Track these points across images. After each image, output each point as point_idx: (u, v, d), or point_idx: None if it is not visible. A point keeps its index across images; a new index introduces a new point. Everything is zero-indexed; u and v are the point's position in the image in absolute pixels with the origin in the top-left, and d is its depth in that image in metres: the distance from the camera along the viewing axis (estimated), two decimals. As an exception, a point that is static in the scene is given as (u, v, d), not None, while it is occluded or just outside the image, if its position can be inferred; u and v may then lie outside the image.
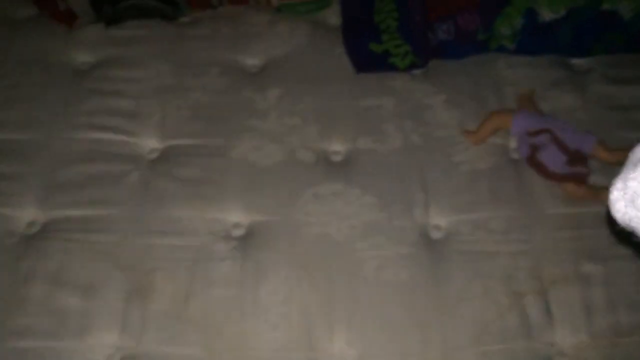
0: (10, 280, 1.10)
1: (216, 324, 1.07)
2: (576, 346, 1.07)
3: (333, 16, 1.56)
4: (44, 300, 1.08)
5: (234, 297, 1.10)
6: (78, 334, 1.05)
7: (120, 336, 1.06)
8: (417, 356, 1.06)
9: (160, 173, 1.25)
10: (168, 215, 1.19)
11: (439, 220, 1.21)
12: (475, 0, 1.40)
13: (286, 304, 1.09)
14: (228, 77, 1.42)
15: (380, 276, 1.13)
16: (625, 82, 1.41)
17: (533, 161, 1.25)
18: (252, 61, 1.47)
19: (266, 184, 1.24)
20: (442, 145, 1.31)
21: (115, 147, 1.29)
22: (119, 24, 1.51)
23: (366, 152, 1.29)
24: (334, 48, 1.47)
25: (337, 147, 1.32)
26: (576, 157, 1.22)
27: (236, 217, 1.20)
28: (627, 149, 0.52)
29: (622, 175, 0.49)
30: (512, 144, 1.32)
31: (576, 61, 1.47)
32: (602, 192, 1.18)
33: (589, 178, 1.23)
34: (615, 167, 0.54)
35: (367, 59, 1.44)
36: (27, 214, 1.20)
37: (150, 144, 1.31)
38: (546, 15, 1.41)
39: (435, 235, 1.20)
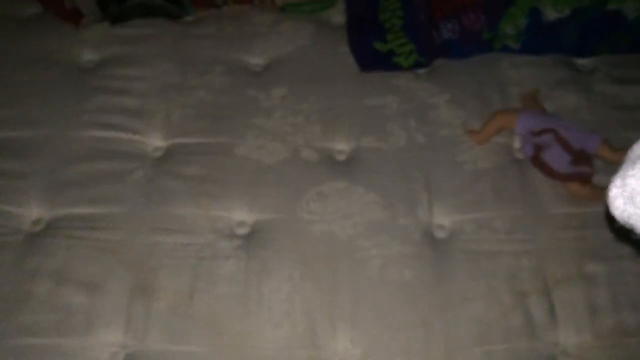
0: (15, 278, 1.11)
1: (220, 321, 1.08)
2: (580, 346, 1.07)
3: (337, 15, 1.56)
4: (49, 298, 1.09)
5: (238, 295, 1.10)
6: (82, 332, 1.06)
7: (125, 334, 1.06)
8: (421, 355, 1.06)
9: (165, 171, 1.25)
10: (172, 213, 1.19)
11: (443, 219, 1.21)
12: (480, -1, 1.41)
13: (290, 302, 1.09)
14: (232, 76, 1.42)
15: (383, 275, 1.13)
16: (629, 82, 1.40)
17: (537, 161, 1.25)
18: (256, 60, 1.48)
19: (270, 183, 1.24)
20: (446, 145, 1.31)
21: (119, 145, 1.30)
22: (125, 23, 1.52)
23: (370, 151, 1.30)
24: (338, 47, 1.47)
25: (341, 146, 1.32)
26: (580, 157, 1.22)
27: (240, 215, 1.21)
28: (631, 149, 0.52)
29: (620, 173, 0.49)
30: (516, 143, 1.32)
31: (581, 61, 1.47)
32: (606, 192, 1.18)
33: (593, 178, 1.22)
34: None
35: (371, 58, 1.44)
36: (32, 212, 1.20)
37: (154, 142, 1.32)
38: (551, 15, 1.41)
39: (439, 234, 1.20)
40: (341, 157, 1.30)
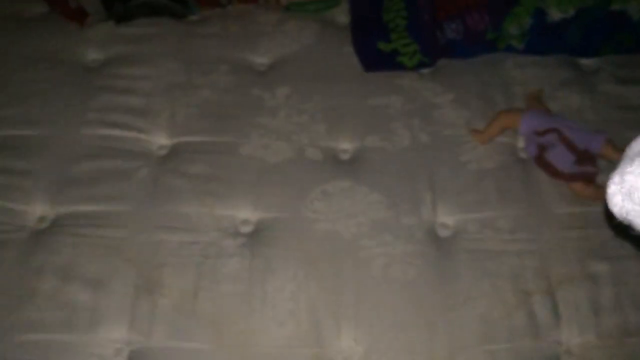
0: (20, 275, 1.11)
1: (224, 319, 1.08)
2: (583, 345, 1.07)
3: (342, 15, 1.57)
4: (54, 295, 1.09)
5: (242, 293, 1.10)
6: (87, 328, 1.06)
7: (129, 331, 1.06)
8: (424, 354, 1.06)
9: (170, 170, 1.26)
10: (177, 211, 1.20)
11: (447, 218, 1.22)
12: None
13: (294, 301, 1.10)
14: (237, 75, 1.43)
15: (387, 274, 1.13)
16: (634, 82, 1.41)
17: (541, 161, 1.25)
18: (261, 59, 1.48)
19: (275, 182, 1.25)
20: (449, 145, 1.31)
21: (124, 143, 1.30)
22: (129, 22, 1.52)
23: (374, 151, 1.30)
24: (343, 47, 1.48)
25: (345, 146, 1.32)
26: (585, 157, 1.22)
27: (245, 213, 1.21)
28: (635, 149, 0.52)
29: (619, 170, 0.50)
30: (520, 143, 1.32)
31: (585, 61, 1.47)
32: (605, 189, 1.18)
33: (598, 177, 1.23)
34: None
35: (375, 57, 1.44)
36: (37, 209, 1.21)
37: (159, 140, 1.32)
38: (555, 15, 1.41)
39: (443, 233, 1.20)
40: (345, 157, 1.30)
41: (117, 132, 1.32)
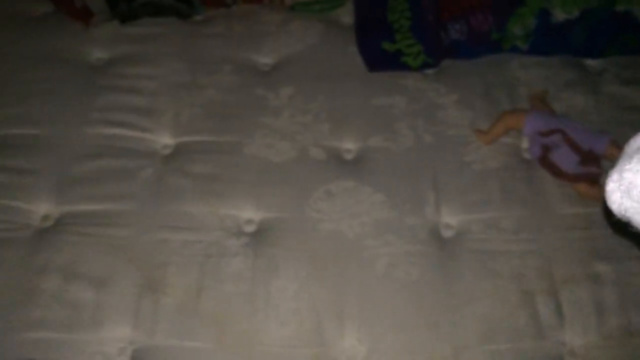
0: (24, 273, 1.11)
1: (227, 319, 1.08)
2: (587, 346, 1.07)
3: (346, 15, 1.57)
4: (58, 293, 1.09)
5: (245, 292, 1.10)
6: (91, 327, 1.06)
7: (133, 329, 1.07)
8: (427, 353, 1.06)
9: (174, 169, 1.26)
10: (181, 210, 1.20)
11: (450, 219, 1.22)
12: (488, 0, 1.40)
13: (297, 300, 1.10)
14: (241, 75, 1.43)
15: (390, 274, 1.13)
16: (638, 83, 1.40)
17: (545, 161, 1.25)
18: (265, 59, 1.48)
19: (278, 181, 1.25)
20: (453, 145, 1.31)
21: (129, 142, 1.31)
22: (134, 22, 1.53)
23: (378, 151, 1.30)
24: (347, 47, 1.48)
25: (349, 145, 1.32)
26: (589, 157, 1.22)
27: (248, 213, 1.21)
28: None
29: (617, 167, 0.50)
30: (524, 144, 1.32)
31: (589, 62, 1.47)
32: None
33: (602, 178, 1.22)
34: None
35: (379, 58, 1.44)
36: (42, 208, 1.21)
37: (163, 140, 1.33)
38: (559, 15, 1.40)
39: (446, 233, 1.20)
40: (349, 157, 1.30)
41: (121, 132, 1.32)
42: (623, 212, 0.50)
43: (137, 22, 1.53)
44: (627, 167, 0.49)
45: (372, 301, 1.11)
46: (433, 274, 1.13)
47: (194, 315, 1.08)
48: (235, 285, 1.11)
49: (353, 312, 1.09)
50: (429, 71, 1.44)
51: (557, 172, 1.24)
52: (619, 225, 0.52)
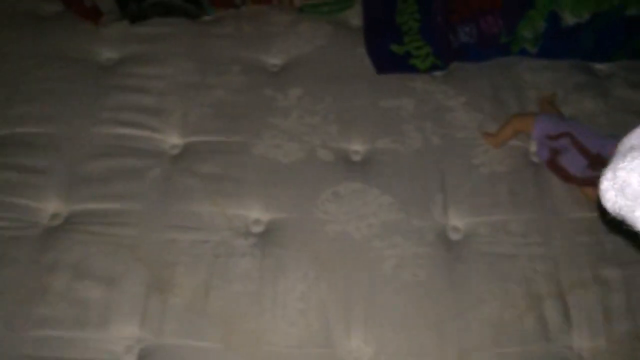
0: (33, 271, 1.12)
1: (235, 318, 1.08)
2: (594, 350, 1.07)
3: (355, 17, 1.57)
4: (66, 291, 1.10)
5: (253, 292, 1.10)
6: (99, 325, 1.07)
7: (140, 328, 1.07)
8: (434, 356, 1.06)
9: (182, 169, 1.26)
10: (189, 210, 1.20)
11: (458, 221, 1.22)
12: (498, 3, 1.40)
13: (304, 301, 1.10)
14: (250, 75, 1.43)
15: (398, 276, 1.13)
16: (647, 87, 1.40)
17: (553, 165, 1.25)
18: (274, 60, 1.49)
19: (286, 182, 1.25)
20: (461, 147, 1.31)
21: (138, 142, 1.31)
22: (144, 22, 1.53)
23: (386, 153, 1.30)
24: (355, 49, 1.48)
25: (357, 147, 1.32)
26: (597, 161, 1.22)
27: (256, 213, 1.21)
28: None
29: (611, 166, 0.50)
30: (532, 147, 1.32)
31: (598, 66, 1.47)
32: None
33: (610, 182, 1.22)
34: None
35: (388, 60, 1.44)
36: (51, 206, 1.22)
37: (172, 140, 1.33)
38: (569, 19, 1.40)
39: (454, 236, 1.20)
40: (357, 158, 1.30)
41: (130, 131, 1.33)
42: (617, 211, 0.50)
43: (147, 22, 1.53)
44: (620, 165, 0.49)
45: (379, 303, 1.11)
46: (440, 277, 1.13)
47: (201, 315, 1.08)
48: (243, 285, 1.11)
49: (360, 314, 1.09)
50: (438, 73, 1.45)
51: (565, 175, 1.24)
52: (614, 224, 0.52)
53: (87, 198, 1.22)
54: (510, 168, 1.28)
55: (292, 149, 1.30)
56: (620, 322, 1.09)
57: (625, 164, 0.49)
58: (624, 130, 1.35)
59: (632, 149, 0.50)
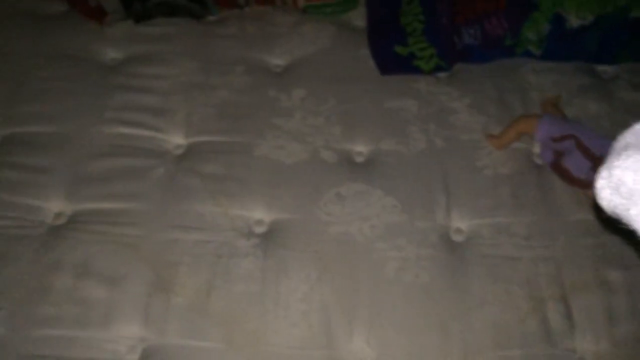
0: (36, 270, 1.12)
1: (237, 319, 1.08)
2: (597, 353, 1.07)
3: (359, 18, 1.57)
4: (69, 291, 1.10)
5: (255, 293, 1.11)
6: (102, 324, 1.07)
7: (143, 328, 1.07)
8: (436, 358, 1.06)
9: (185, 169, 1.27)
10: (192, 210, 1.20)
11: (461, 223, 1.22)
12: (502, 4, 1.40)
13: (306, 302, 1.10)
14: (253, 76, 1.43)
15: (400, 277, 1.13)
16: (651, 90, 1.40)
17: (557, 167, 1.24)
18: (277, 61, 1.49)
19: (289, 183, 1.25)
20: (465, 149, 1.31)
21: (141, 142, 1.31)
22: (148, 22, 1.53)
23: (389, 154, 1.30)
24: (359, 50, 1.48)
25: (360, 148, 1.32)
26: (601, 164, 1.21)
27: (259, 214, 1.21)
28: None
29: (606, 164, 0.50)
30: (536, 149, 1.31)
31: (602, 68, 1.46)
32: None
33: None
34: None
35: (392, 61, 1.44)
36: (55, 206, 1.22)
37: (176, 140, 1.33)
38: (573, 21, 1.40)
39: (457, 238, 1.20)
40: (360, 159, 1.30)
41: (133, 131, 1.33)
42: (612, 209, 0.50)
43: (151, 22, 1.54)
44: (615, 163, 0.49)
45: (381, 304, 1.11)
46: (443, 279, 1.13)
47: (203, 315, 1.08)
48: (246, 285, 1.11)
49: (362, 315, 1.09)
50: (442, 75, 1.44)
51: (568, 177, 1.23)
52: (609, 222, 0.52)
53: (90, 197, 1.22)
54: (514, 170, 1.27)
55: (295, 150, 1.30)
56: (623, 324, 1.09)
57: (620, 162, 0.49)
58: (628, 132, 1.33)
59: (627, 147, 0.50)
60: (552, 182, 1.26)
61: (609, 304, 1.10)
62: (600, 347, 1.07)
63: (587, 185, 1.21)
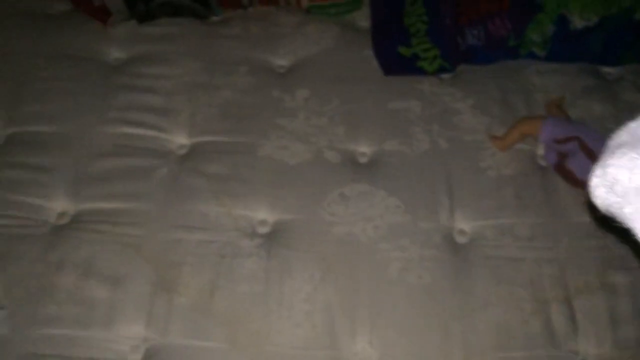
0: (39, 269, 1.12)
1: (240, 319, 1.08)
2: (600, 356, 1.07)
3: (362, 19, 1.57)
4: (72, 290, 1.10)
5: (259, 293, 1.11)
6: (105, 324, 1.07)
7: (146, 327, 1.07)
8: (438, 359, 1.06)
9: (189, 169, 1.27)
10: (195, 210, 1.21)
11: (464, 224, 1.21)
12: (507, 5, 1.40)
13: (310, 302, 1.10)
14: (257, 76, 1.43)
15: (403, 278, 1.13)
16: (656, 91, 1.40)
17: (561, 168, 1.24)
18: (281, 61, 1.49)
19: (292, 183, 1.25)
20: (469, 150, 1.31)
21: (145, 142, 1.31)
22: (152, 22, 1.53)
23: (393, 155, 1.30)
24: (363, 50, 1.48)
25: (364, 149, 1.32)
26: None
27: (262, 214, 1.21)
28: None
29: (601, 162, 0.50)
30: (540, 150, 1.31)
31: (607, 69, 1.46)
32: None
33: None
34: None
35: (395, 61, 1.44)
36: (58, 205, 1.22)
37: (179, 140, 1.33)
38: (578, 22, 1.40)
39: (460, 239, 1.19)
40: (364, 160, 1.30)
41: (137, 131, 1.33)
42: (607, 207, 0.50)
43: (155, 22, 1.53)
44: (609, 162, 0.49)
45: (384, 305, 1.11)
46: (446, 280, 1.13)
47: (207, 315, 1.08)
48: (249, 285, 1.11)
49: (365, 316, 1.09)
50: (445, 76, 1.44)
51: (572, 179, 1.23)
52: (604, 220, 0.52)
53: (94, 197, 1.23)
54: (518, 171, 1.27)
55: (299, 150, 1.29)
56: (627, 327, 1.09)
57: (615, 160, 0.48)
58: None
59: (621, 145, 0.50)
60: (555, 184, 1.25)
61: (612, 306, 1.10)
62: (604, 349, 1.07)
63: (591, 187, 1.21)
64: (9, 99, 1.38)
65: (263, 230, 1.19)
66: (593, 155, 1.22)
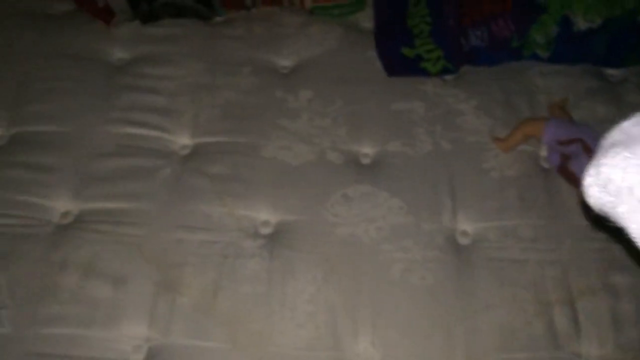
0: (42, 269, 1.12)
1: (243, 319, 1.08)
2: (603, 357, 1.06)
3: (366, 20, 1.57)
4: (75, 290, 1.10)
5: (261, 294, 1.11)
6: (107, 324, 1.07)
7: (148, 328, 1.07)
8: (441, 360, 1.06)
9: (192, 169, 1.27)
10: (198, 210, 1.21)
11: (467, 226, 1.21)
12: (510, 7, 1.40)
13: (312, 303, 1.10)
14: (260, 77, 1.43)
15: (406, 279, 1.13)
16: (660, 94, 1.39)
17: (564, 170, 1.24)
18: (284, 62, 1.49)
19: (295, 184, 1.25)
20: (472, 152, 1.30)
21: (148, 142, 1.31)
22: (155, 22, 1.54)
23: (396, 156, 1.30)
24: (366, 51, 1.48)
25: (367, 150, 1.32)
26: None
27: (265, 215, 1.21)
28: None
29: (594, 162, 0.50)
30: (543, 152, 1.31)
31: (611, 71, 1.46)
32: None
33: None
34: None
35: (398, 62, 1.44)
36: (61, 205, 1.22)
37: (182, 140, 1.33)
38: (581, 24, 1.39)
39: (463, 241, 1.19)
40: (366, 161, 1.30)
41: (140, 131, 1.33)
42: (600, 207, 0.49)
43: (158, 22, 1.54)
44: (603, 161, 0.49)
45: (387, 306, 1.11)
46: (449, 281, 1.13)
47: (209, 315, 1.08)
48: (252, 286, 1.11)
49: (368, 317, 1.09)
50: (448, 77, 1.44)
51: (575, 181, 1.23)
52: (597, 220, 0.51)
53: (97, 197, 1.23)
54: (520, 173, 1.27)
55: (302, 151, 1.29)
56: (629, 329, 1.08)
57: (608, 159, 0.48)
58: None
59: (614, 144, 0.50)
60: (558, 186, 1.25)
61: (614, 308, 1.10)
62: (606, 350, 1.06)
63: (594, 188, 1.21)
64: (12, 99, 1.38)
65: (266, 231, 1.19)
66: (596, 157, 1.21)
